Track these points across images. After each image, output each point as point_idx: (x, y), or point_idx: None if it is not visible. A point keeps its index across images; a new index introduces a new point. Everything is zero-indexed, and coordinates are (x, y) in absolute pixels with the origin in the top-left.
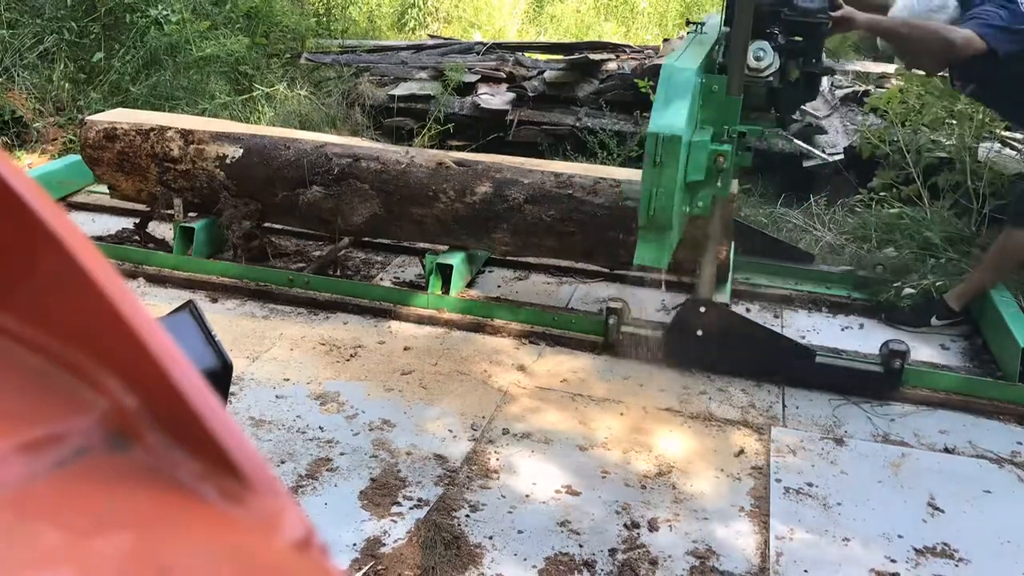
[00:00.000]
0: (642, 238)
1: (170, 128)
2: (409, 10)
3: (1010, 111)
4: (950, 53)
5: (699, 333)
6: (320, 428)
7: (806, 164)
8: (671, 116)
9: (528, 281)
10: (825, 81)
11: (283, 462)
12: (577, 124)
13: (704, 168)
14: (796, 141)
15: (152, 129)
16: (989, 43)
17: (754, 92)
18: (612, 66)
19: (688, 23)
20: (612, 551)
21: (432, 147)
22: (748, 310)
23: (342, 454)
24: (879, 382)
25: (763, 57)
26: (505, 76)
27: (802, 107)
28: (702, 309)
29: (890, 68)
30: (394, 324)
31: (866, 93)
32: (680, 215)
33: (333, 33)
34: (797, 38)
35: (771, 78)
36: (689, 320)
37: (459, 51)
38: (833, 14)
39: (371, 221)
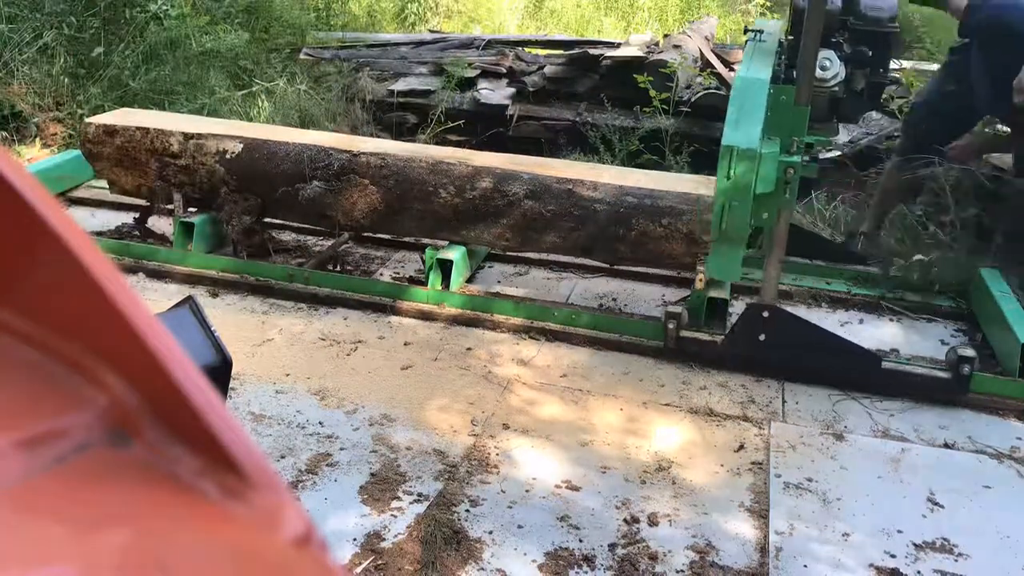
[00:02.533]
0: (715, 251)
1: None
2: (409, 5)
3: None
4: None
5: None
6: (320, 423)
7: None
8: (746, 130)
9: (528, 276)
10: None
11: (283, 457)
12: (577, 119)
13: (773, 180)
14: None
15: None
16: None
17: (817, 102)
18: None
19: (746, 31)
20: (612, 546)
21: (434, 143)
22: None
23: (342, 449)
24: None
25: (829, 67)
26: (505, 71)
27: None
28: None
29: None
30: (394, 319)
31: None
32: (748, 227)
33: (333, 28)
34: (864, 48)
35: (836, 88)
36: None
37: (459, 46)
38: None
39: (371, 216)
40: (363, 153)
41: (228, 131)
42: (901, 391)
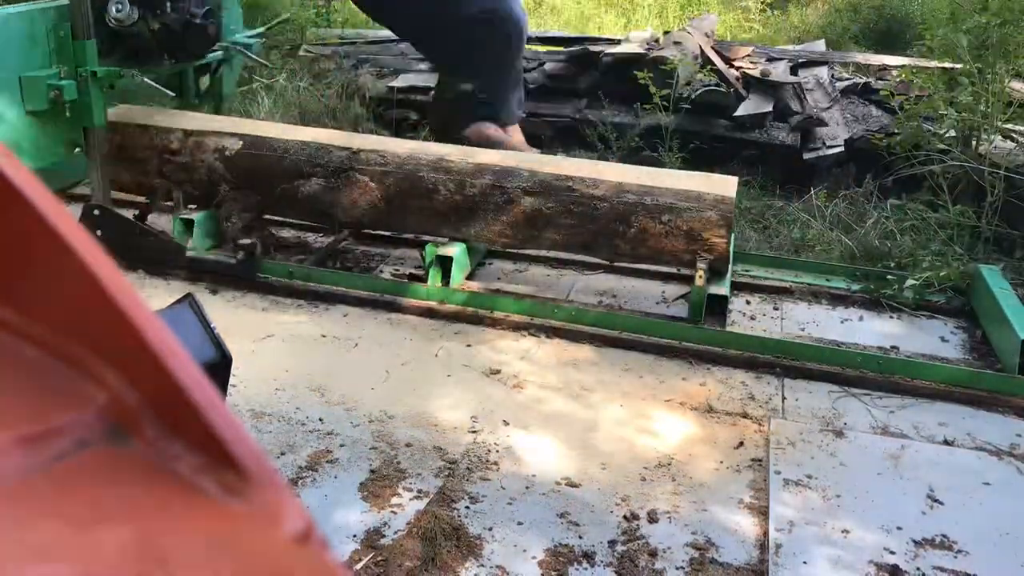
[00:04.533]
0: None
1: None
2: None
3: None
4: None
5: None
6: (320, 420)
7: (806, 156)
8: None
9: (528, 273)
10: (825, 73)
11: (283, 454)
12: (577, 116)
13: (44, 99)
14: None
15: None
16: None
17: (142, 39)
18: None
19: None
20: (612, 543)
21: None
22: (748, 303)
23: (342, 446)
24: None
25: (122, 9)
26: None
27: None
28: None
29: (890, 60)
30: (394, 316)
31: (866, 85)
32: (35, 139)
33: (333, 24)
34: None
35: (134, 28)
36: None
37: None
38: None
39: (371, 213)
40: (363, 150)
41: (228, 128)
42: (204, 274)
